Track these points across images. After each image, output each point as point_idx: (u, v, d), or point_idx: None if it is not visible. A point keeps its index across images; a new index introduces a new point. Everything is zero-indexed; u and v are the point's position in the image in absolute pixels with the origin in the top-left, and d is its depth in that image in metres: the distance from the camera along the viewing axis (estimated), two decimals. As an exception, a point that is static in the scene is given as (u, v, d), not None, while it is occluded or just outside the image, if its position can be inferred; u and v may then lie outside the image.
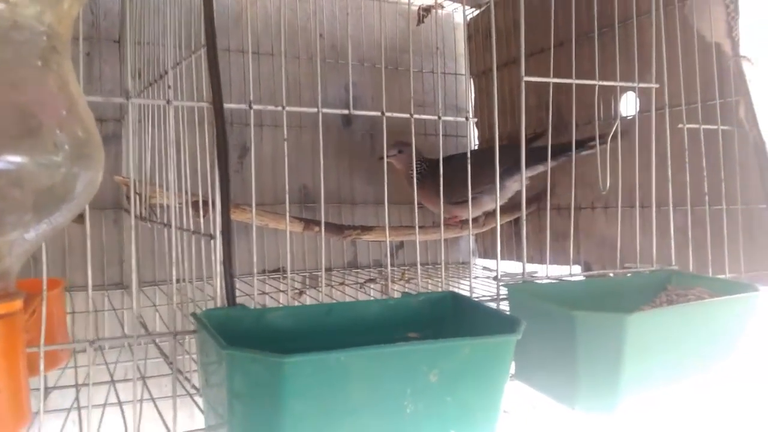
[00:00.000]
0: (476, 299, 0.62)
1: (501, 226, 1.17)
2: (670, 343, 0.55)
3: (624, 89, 0.89)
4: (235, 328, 0.47)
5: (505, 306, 0.62)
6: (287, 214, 0.58)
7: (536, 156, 0.86)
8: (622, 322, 0.50)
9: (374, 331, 0.53)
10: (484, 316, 0.52)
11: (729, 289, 0.62)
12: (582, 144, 0.87)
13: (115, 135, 1.04)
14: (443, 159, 0.81)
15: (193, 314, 0.45)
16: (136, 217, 0.76)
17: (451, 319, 0.55)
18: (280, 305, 0.92)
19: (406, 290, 1.06)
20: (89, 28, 1.05)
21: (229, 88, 1.10)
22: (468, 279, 1.19)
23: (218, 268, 0.48)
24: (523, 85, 0.60)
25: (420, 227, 1.01)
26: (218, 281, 0.48)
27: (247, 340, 0.47)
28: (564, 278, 0.67)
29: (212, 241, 0.49)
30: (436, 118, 0.62)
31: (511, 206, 1.09)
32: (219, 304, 0.49)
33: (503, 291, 0.62)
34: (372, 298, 1.00)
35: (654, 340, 0.53)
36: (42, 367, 0.43)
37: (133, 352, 0.47)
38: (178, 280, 0.56)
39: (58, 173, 0.35)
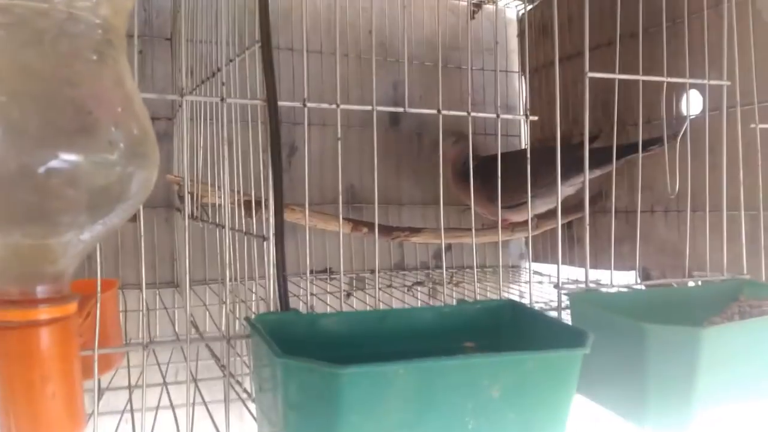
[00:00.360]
0: (536, 308, 0.59)
1: (560, 219, 1.14)
2: (746, 358, 0.51)
3: (685, 87, 0.85)
4: (288, 333, 0.45)
5: (565, 315, 0.59)
6: (340, 216, 0.56)
7: (593, 159, 0.82)
8: (696, 336, 0.47)
9: (429, 339, 0.51)
10: (545, 326, 0.49)
11: (810, 301, 0.58)
12: (644, 146, 0.83)
13: (166, 134, 1.04)
14: (492, 158, 0.78)
15: (247, 319, 0.44)
16: (188, 217, 0.76)
17: (510, 329, 0.52)
18: (329, 307, 0.91)
19: (458, 295, 1.04)
20: (142, 26, 1.06)
21: (279, 86, 1.09)
22: (519, 283, 1.16)
23: (271, 271, 0.47)
24: (587, 81, 0.57)
25: (471, 229, 0.98)
26: (271, 284, 0.47)
27: (301, 346, 0.46)
28: (630, 287, 0.63)
29: (265, 243, 0.48)
30: (494, 116, 0.59)
31: (564, 209, 1.05)
32: (271, 308, 0.47)
33: (564, 299, 0.59)
34: (421, 303, 0.98)
35: (729, 355, 0.50)
36: (96, 370, 0.42)
37: (186, 356, 0.46)
38: (230, 280, 0.56)
39: (113, 172, 0.34)
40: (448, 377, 0.38)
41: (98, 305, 0.42)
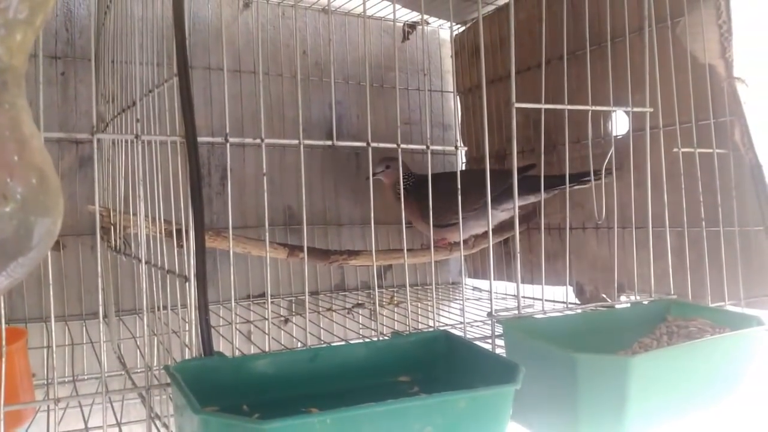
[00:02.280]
0: (471, 339, 0.59)
1: (491, 246, 1.15)
2: (674, 381, 0.52)
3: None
4: (212, 380, 0.43)
5: (500, 341, 0.59)
6: (267, 246, 0.55)
7: (526, 186, 0.83)
8: (625, 365, 0.47)
9: (363, 376, 0.50)
10: (479, 358, 0.49)
11: (731, 321, 0.60)
12: (574, 179, 0.85)
13: (92, 158, 1.00)
14: (431, 177, 0.78)
15: (166, 367, 0.42)
16: (114, 250, 0.72)
17: (444, 360, 0.52)
18: (267, 335, 0.88)
19: (399, 316, 1.03)
20: (64, 46, 1.01)
21: (210, 107, 1.07)
22: (459, 301, 1.17)
23: (193, 315, 0.45)
24: (513, 111, 0.58)
25: (408, 250, 0.98)
26: (193, 329, 0.45)
27: (226, 393, 0.44)
28: (564, 304, 0.64)
29: (187, 284, 0.46)
30: (423, 147, 0.59)
31: (500, 227, 1.06)
32: (194, 353, 0.45)
33: (498, 328, 0.59)
34: (361, 326, 0.97)
35: (658, 380, 0.51)
36: (2, 428, 0.39)
37: (105, 406, 0.43)
38: (153, 311, 0.53)
39: (9, 226, 0.31)
40: (377, 423, 0.37)
41: (3, 361, 0.39)
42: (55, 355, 0.46)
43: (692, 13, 0.78)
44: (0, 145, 0.31)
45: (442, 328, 0.56)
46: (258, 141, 0.50)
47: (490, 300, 0.59)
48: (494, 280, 1.21)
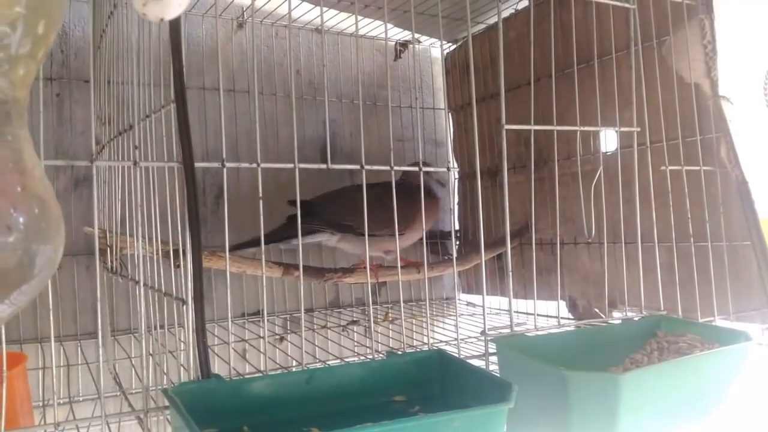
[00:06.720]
0: (465, 356, 0.60)
1: (485, 261, 1.16)
2: (664, 397, 0.53)
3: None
4: (211, 403, 0.44)
5: (493, 359, 0.60)
6: (263, 269, 0.55)
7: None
8: (616, 382, 0.48)
9: (358, 396, 0.50)
10: (473, 377, 0.49)
11: (720, 336, 0.61)
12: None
13: (87, 179, 1.01)
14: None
15: (165, 390, 0.42)
16: (110, 272, 0.73)
17: (439, 379, 0.52)
18: (262, 354, 0.88)
19: (394, 333, 1.04)
20: (59, 68, 1.02)
21: (204, 127, 1.08)
22: (452, 316, 1.17)
23: (190, 338, 0.45)
24: (504, 132, 0.59)
25: (402, 267, 0.98)
26: (190, 351, 0.45)
27: (224, 415, 0.44)
28: (556, 327, 0.65)
29: (184, 308, 0.46)
30: (416, 169, 0.60)
31: (493, 242, 1.07)
32: (191, 376, 0.46)
33: (491, 346, 0.60)
34: (356, 344, 0.97)
35: (648, 396, 0.52)
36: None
37: (106, 424, 0.43)
38: (150, 332, 0.53)
39: (13, 255, 0.32)
40: (373, 444, 0.38)
41: (3, 387, 0.40)
42: (54, 378, 0.47)
43: (677, 33, 0.80)
44: (3, 177, 0.32)
45: (436, 347, 0.56)
46: (254, 165, 0.51)
47: (483, 318, 0.60)
48: (488, 295, 1.22)
